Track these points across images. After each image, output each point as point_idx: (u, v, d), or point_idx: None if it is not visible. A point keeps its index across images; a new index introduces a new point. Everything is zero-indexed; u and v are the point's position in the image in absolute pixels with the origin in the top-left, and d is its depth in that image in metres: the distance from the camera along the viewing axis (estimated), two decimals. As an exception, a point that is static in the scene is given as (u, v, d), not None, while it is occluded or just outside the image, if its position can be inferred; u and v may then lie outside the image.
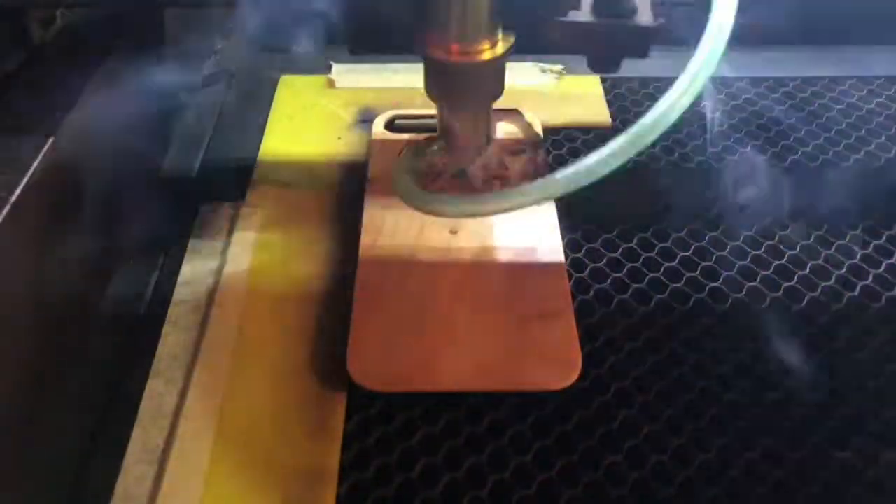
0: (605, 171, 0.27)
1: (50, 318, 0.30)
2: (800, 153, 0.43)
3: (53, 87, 0.32)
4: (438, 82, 0.29)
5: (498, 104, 0.45)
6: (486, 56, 0.27)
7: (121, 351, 0.34)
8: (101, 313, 0.34)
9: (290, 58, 0.56)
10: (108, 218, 0.36)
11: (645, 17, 0.27)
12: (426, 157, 0.36)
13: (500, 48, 0.27)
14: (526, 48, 0.28)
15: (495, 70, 0.28)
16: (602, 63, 0.29)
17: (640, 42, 0.28)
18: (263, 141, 0.45)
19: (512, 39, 0.27)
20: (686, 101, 0.26)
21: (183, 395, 0.32)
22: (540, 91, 0.48)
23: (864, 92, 0.48)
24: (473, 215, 0.31)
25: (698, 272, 0.37)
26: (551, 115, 0.46)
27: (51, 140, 0.29)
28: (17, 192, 0.27)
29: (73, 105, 0.31)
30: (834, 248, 0.38)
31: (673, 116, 0.26)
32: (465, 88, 0.29)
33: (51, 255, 0.30)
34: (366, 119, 0.46)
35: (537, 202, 0.28)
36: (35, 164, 0.28)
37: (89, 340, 0.33)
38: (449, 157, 0.33)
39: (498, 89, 0.30)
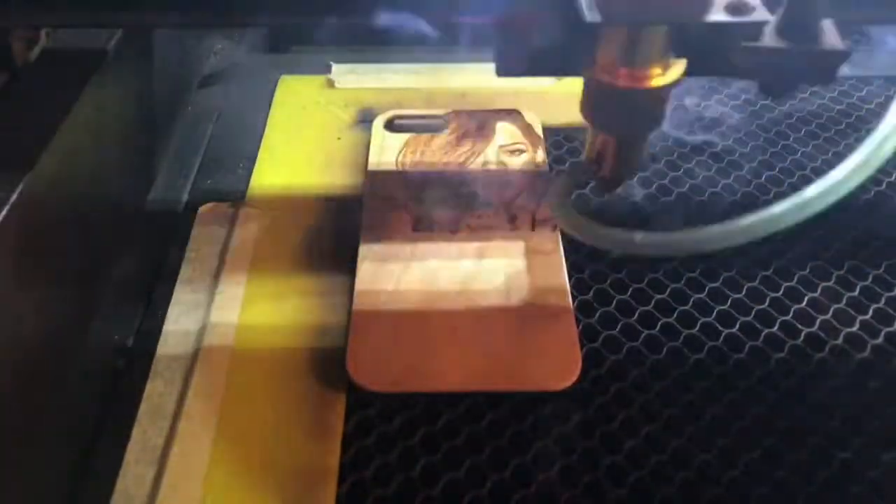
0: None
1: (51, 319, 0.30)
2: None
3: (35, 111, 0.31)
4: (601, 107, 0.27)
5: (498, 104, 0.46)
6: (656, 82, 0.24)
7: (122, 352, 0.34)
8: (101, 315, 0.34)
9: (291, 58, 0.56)
10: (108, 225, 0.36)
11: (832, 40, 0.24)
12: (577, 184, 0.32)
13: (672, 75, 0.25)
14: (703, 72, 0.26)
15: (662, 97, 0.26)
16: (777, 88, 0.26)
17: (827, 66, 0.25)
18: (263, 141, 0.45)
19: (682, 66, 0.25)
20: None
21: (183, 396, 0.32)
22: (540, 91, 0.48)
23: None
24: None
25: (698, 272, 0.37)
26: (551, 115, 0.46)
27: (28, 175, 0.27)
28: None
29: (55, 133, 0.30)
30: (832, 251, 0.38)
31: None
32: (630, 115, 0.26)
33: (46, 269, 0.30)
34: (365, 119, 0.46)
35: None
36: (12, 200, 0.27)
37: (90, 342, 0.33)
38: (600, 184, 0.31)
39: (661, 117, 0.27)
